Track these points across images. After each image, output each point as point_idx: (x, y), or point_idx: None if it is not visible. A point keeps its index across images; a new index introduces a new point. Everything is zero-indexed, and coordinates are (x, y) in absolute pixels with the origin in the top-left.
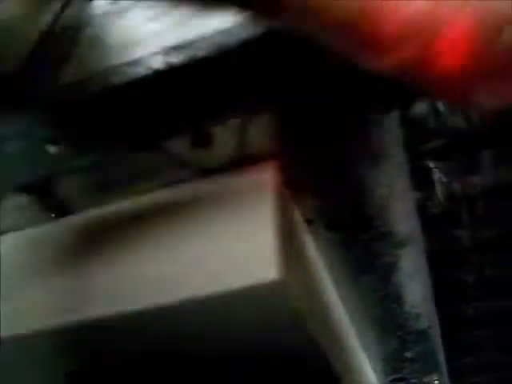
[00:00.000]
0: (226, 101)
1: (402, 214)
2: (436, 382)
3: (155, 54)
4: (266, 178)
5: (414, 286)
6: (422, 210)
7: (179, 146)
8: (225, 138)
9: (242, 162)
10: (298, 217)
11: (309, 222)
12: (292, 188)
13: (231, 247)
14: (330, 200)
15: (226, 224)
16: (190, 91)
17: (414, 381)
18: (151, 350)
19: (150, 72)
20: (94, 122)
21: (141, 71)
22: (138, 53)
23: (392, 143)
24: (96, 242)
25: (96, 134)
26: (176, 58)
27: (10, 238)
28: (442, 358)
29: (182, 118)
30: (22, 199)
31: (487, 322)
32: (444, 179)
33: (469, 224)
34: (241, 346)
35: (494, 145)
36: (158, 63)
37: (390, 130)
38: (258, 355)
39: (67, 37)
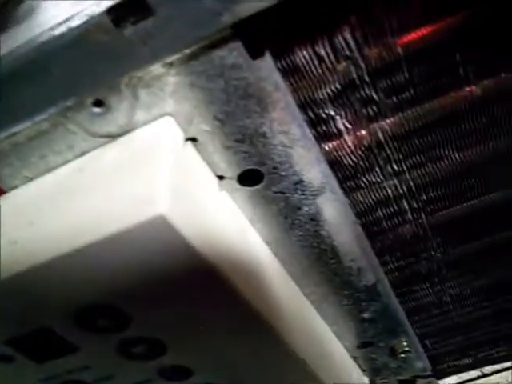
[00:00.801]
0: None
1: (308, 161)
2: (405, 343)
3: None
4: (161, 135)
5: (347, 239)
6: (334, 160)
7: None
8: (118, 103)
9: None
10: (207, 174)
11: (220, 177)
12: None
13: (120, 197)
14: (233, 151)
15: (122, 181)
16: None
17: (381, 344)
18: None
19: None
20: None
21: None
22: None
23: (273, 87)
24: None
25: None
26: None
27: None
28: (403, 317)
29: None
30: None
31: (443, 275)
32: (349, 126)
33: (388, 171)
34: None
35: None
36: None
37: (268, 76)
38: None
39: None
